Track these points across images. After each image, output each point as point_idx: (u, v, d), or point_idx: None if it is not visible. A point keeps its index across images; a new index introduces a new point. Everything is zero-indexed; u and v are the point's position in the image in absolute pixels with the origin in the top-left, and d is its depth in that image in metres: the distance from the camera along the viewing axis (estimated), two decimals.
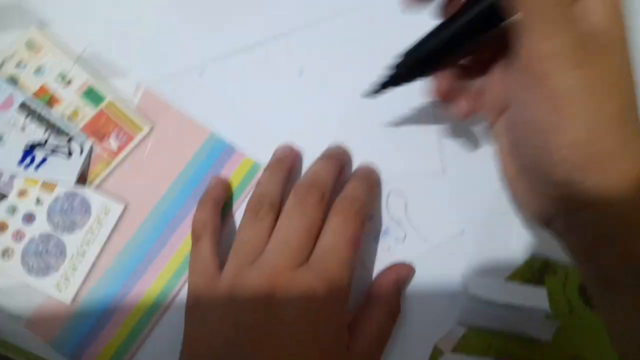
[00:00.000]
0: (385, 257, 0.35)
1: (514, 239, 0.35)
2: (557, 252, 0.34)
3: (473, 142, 0.36)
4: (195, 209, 0.34)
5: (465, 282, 0.33)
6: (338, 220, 0.30)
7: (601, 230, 0.24)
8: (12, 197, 0.35)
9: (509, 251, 0.34)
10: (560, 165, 0.24)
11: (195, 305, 0.31)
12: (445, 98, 0.30)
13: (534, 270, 0.34)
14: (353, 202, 0.31)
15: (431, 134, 0.36)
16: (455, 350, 0.33)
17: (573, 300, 0.34)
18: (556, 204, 0.26)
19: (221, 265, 0.31)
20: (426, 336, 0.34)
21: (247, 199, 0.33)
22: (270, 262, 0.30)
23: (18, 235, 0.35)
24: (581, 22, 0.23)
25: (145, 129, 0.37)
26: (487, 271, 0.34)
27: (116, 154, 0.36)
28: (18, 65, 0.38)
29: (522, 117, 0.26)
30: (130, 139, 0.36)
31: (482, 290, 0.33)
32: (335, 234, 0.30)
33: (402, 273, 0.34)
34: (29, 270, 0.34)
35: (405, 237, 0.35)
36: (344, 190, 0.32)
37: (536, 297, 0.32)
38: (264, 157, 0.36)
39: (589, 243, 0.25)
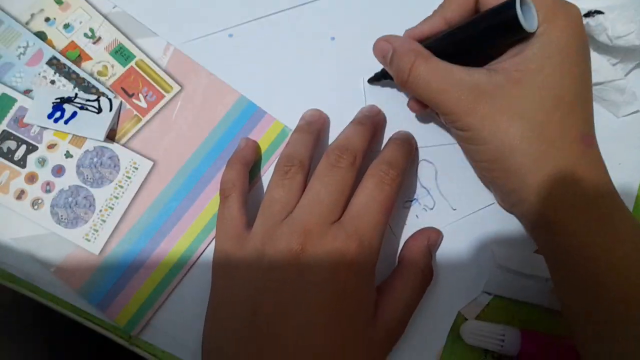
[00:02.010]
0: (413, 224, 0.35)
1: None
2: None
3: None
4: (223, 169, 0.34)
5: (494, 252, 0.33)
6: (374, 182, 0.30)
7: (531, 221, 0.30)
8: (42, 149, 0.35)
9: None
10: (483, 176, 0.33)
11: (223, 263, 0.31)
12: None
13: None
14: (390, 166, 0.31)
15: None
16: (478, 317, 0.33)
17: None
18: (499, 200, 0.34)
19: (249, 224, 0.31)
20: (451, 303, 0.34)
21: (276, 162, 0.33)
22: (302, 218, 0.29)
23: (48, 187, 0.35)
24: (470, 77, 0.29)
25: (175, 89, 0.36)
26: (515, 243, 0.34)
27: (145, 112, 0.36)
28: (47, 20, 0.38)
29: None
30: (160, 97, 0.36)
31: (510, 261, 0.33)
32: (370, 196, 0.30)
33: (432, 238, 0.34)
34: (59, 220, 0.34)
35: (434, 205, 0.35)
36: (382, 154, 0.32)
37: None
38: (293, 122, 0.36)
39: (530, 229, 0.31)
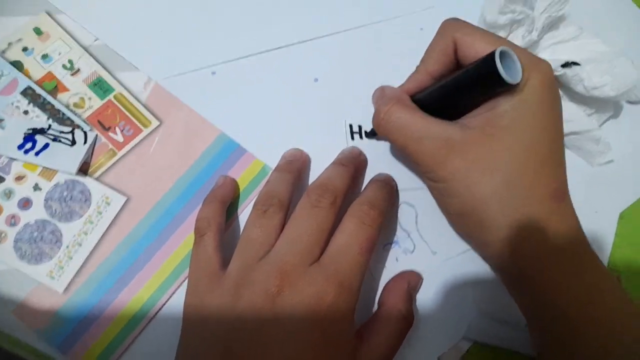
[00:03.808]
0: (393, 267, 0.34)
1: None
2: None
3: None
4: (200, 206, 0.33)
5: (475, 298, 0.33)
6: (354, 222, 0.30)
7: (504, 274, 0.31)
8: (9, 181, 0.34)
9: None
10: (457, 228, 0.34)
11: (196, 303, 0.29)
12: None
13: None
14: (372, 206, 0.30)
15: None
16: None
17: None
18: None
19: (224, 264, 0.30)
20: (431, 349, 0.33)
21: (254, 201, 0.32)
22: (280, 259, 0.28)
23: (13, 220, 0.33)
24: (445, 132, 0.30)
25: (154, 124, 0.36)
26: (496, 289, 0.33)
27: (121, 146, 0.35)
28: (24, 50, 0.37)
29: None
30: (138, 132, 0.35)
31: (491, 307, 0.32)
32: (350, 236, 0.29)
33: (413, 281, 0.33)
34: (22, 256, 0.32)
35: (414, 248, 0.34)
36: (363, 194, 0.32)
37: None
38: (274, 161, 0.35)
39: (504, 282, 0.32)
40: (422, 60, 0.33)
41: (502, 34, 0.36)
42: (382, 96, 0.33)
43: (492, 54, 0.27)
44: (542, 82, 0.29)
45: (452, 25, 0.31)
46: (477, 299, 0.33)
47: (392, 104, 0.31)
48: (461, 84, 0.30)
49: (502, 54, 0.27)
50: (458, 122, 0.31)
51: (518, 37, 0.36)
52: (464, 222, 0.31)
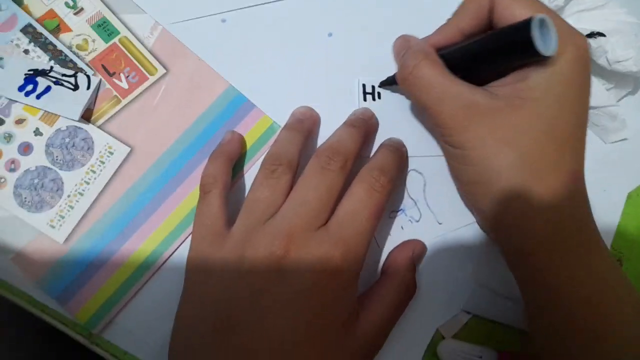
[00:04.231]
0: (397, 235, 0.34)
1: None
2: None
3: None
4: (206, 162, 0.32)
5: (475, 270, 0.32)
6: (364, 188, 0.29)
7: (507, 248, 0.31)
8: (8, 124, 0.32)
9: None
10: (466, 197, 0.33)
11: (198, 263, 0.29)
12: None
13: None
14: (382, 172, 0.30)
15: None
16: (456, 336, 0.33)
17: None
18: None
19: (229, 223, 0.30)
20: (430, 319, 0.33)
21: (262, 159, 0.31)
22: (287, 222, 0.28)
23: (12, 165, 0.32)
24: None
25: (160, 72, 0.34)
26: (497, 263, 0.33)
27: (126, 93, 0.34)
28: None
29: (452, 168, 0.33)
30: (143, 79, 0.34)
31: (490, 280, 0.32)
32: (359, 202, 0.29)
33: (417, 250, 0.33)
34: (22, 202, 0.32)
35: (420, 217, 0.34)
36: (373, 159, 0.31)
37: None
38: (282, 118, 0.34)
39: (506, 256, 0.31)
40: (455, 14, 0.31)
41: None
42: (407, 48, 0.32)
43: (529, 21, 0.25)
44: (577, 58, 0.27)
45: None
46: (476, 272, 0.32)
47: (420, 59, 0.30)
48: (491, 47, 0.28)
49: (540, 22, 0.25)
50: (485, 88, 0.30)
51: (544, 0, 0.34)
52: (475, 192, 0.30)
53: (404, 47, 0.32)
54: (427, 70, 0.29)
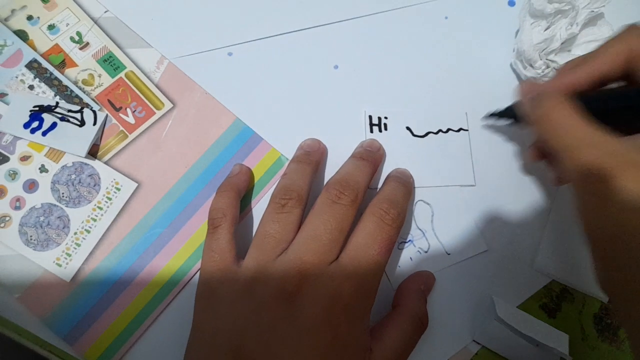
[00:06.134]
0: (406, 266, 0.33)
1: (537, 263, 0.34)
2: (577, 280, 0.34)
3: (505, 161, 0.36)
4: (214, 196, 0.32)
5: (494, 304, 0.32)
6: (374, 221, 0.29)
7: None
8: (13, 161, 0.32)
9: (530, 275, 0.34)
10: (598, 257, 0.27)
11: (209, 296, 0.29)
12: None
13: (552, 295, 0.34)
14: (392, 205, 0.30)
15: (465, 148, 0.35)
16: None
17: (587, 329, 0.33)
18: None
19: (238, 258, 0.29)
20: (440, 350, 0.33)
21: (270, 192, 0.31)
22: (298, 257, 0.28)
23: (17, 203, 0.32)
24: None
25: (167, 106, 0.34)
26: (508, 291, 0.33)
27: (133, 128, 0.34)
28: (29, 19, 0.35)
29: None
30: (150, 114, 0.34)
31: (509, 316, 0.32)
32: (370, 236, 0.29)
33: (428, 283, 0.33)
34: (27, 241, 0.31)
35: (429, 248, 0.34)
36: (382, 192, 0.31)
37: (558, 340, 0.31)
38: (289, 150, 0.34)
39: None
40: (590, 58, 0.30)
41: (544, 23, 0.35)
42: (536, 89, 0.30)
43: None
44: None
45: (637, 30, 0.29)
46: (496, 306, 0.32)
47: (557, 101, 0.28)
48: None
49: None
50: (630, 138, 0.27)
51: (562, 29, 0.35)
52: (614, 247, 0.26)
53: (534, 89, 0.31)
54: (564, 111, 0.28)
